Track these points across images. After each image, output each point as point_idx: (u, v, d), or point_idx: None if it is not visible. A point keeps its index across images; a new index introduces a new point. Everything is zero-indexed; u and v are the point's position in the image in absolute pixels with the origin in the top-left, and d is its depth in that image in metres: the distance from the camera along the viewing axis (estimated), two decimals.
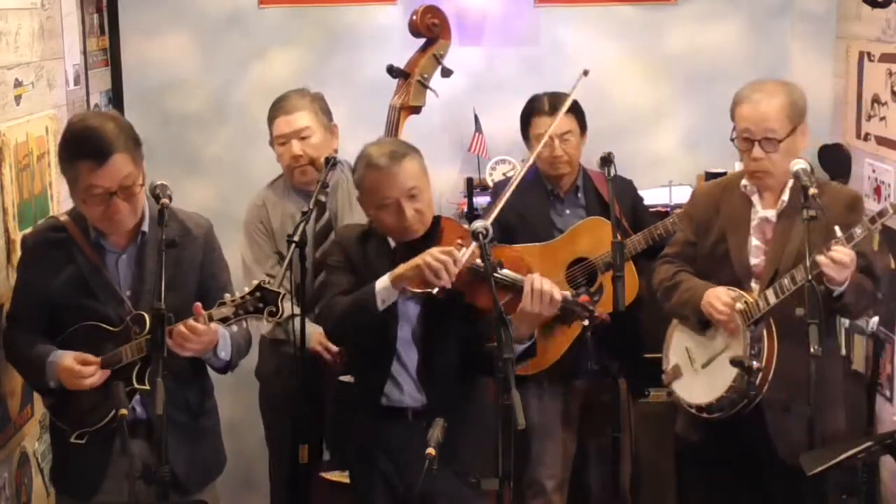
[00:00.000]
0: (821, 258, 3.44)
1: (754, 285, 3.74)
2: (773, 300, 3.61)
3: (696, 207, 3.96)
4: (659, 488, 4.83)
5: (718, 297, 3.70)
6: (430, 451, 3.09)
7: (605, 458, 4.25)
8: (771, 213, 3.75)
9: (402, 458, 3.56)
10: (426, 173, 3.61)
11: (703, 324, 3.81)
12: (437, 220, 3.64)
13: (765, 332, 3.65)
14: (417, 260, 3.43)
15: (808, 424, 3.34)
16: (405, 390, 3.61)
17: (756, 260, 3.75)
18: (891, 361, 4.38)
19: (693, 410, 3.80)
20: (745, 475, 3.76)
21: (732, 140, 3.76)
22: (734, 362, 3.64)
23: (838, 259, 3.43)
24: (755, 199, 3.78)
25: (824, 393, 3.54)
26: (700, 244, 3.88)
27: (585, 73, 4.16)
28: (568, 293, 3.43)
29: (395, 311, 3.55)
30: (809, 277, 3.35)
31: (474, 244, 3.40)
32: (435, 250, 3.43)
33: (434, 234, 3.59)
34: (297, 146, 4.18)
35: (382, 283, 3.49)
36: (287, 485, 4.20)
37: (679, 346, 3.93)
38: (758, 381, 3.63)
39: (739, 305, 3.66)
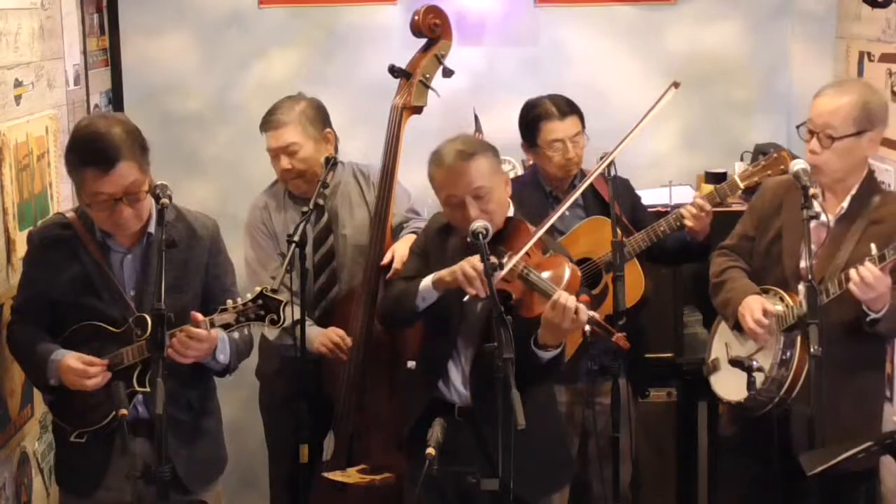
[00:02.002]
0: (852, 273, 3.42)
1: (801, 288, 3.61)
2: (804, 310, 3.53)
3: (762, 201, 3.90)
4: (659, 488, 4.84)
5: (752, 312, 3.65)
6: (430, 450, 3.09)
7: (605, 457, 4.25)
8: (829, 219, 3.67)
9: (444, 452, 3.56)
10: (498, 173, 3.62)
11: (740, 325, 3.76)
12: (511, 221, 3.63)
13: (799, 339, 3.58)
14: (456, 266, 3.48)
15: (808, 424, 3.32)
16: (453, 387, 3.63)
17: (806, 264, 3.64)
18: (891, 361, 4.37)
19: (727, 405, 3.80)
20: (777, 473, 3.70)
21: (797, 127, 3.74)
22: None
23: (865, 277, 3.40)
24: (818, 202, 3.63)
25: (867, 425, 3.56)
26: (758, 239, 3.84)
27: (676, 85, 4.10)
28: (595, 313, 3.43)
29: (459, 309, 3.57)
30: (810, 278, 3.34)
31: (521, 253, 3.46)
32: (472, 259, 3.44)
33: (504, 234, 3.57)
34: (285, 161, 4.19)
35: (426, 282, 3.56)
36: (287, 485, 4.21)
37: (721, 340, 3.90)
38: (786, 386, 3.58)
39: (775, 309, 3.62)
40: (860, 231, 3.64)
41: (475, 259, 3.44)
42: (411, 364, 3.89)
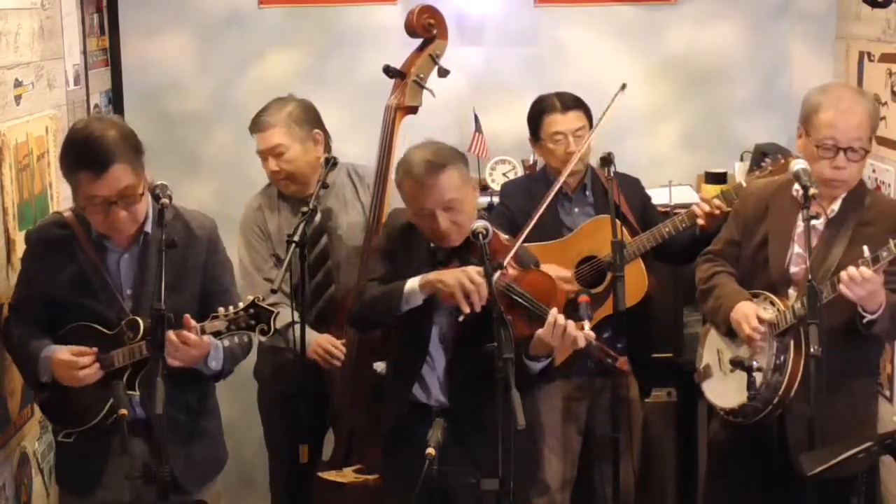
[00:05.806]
0: (842, 274, 3.40)
1: (792, 292, 3.65)
2: (801, 313, 3.50)
3: (745, 206, 3.85)
4: (659, 488, 4.84)
5: (747, 319, 3.61)
6: (430, 451, 3.09)
7: (607, 457, 4.25)
8: (818, 222, 3.62)
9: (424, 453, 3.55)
10: (468, 183, 3.57)
11: (732, 331, 3.73)
12: None
13: (792, 344, 3.57)
14: (453, 278, 3.41)
15: (808, 424, 3.31)
16: (431, 392, 3.62)
17: (796, 268, 3.65)
18: (891, 361, 4.37)
19: (720, 413, 3.78)
20: (767, 479, 3.70)
21: (817, 146, 3.56)
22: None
23: (853, 276, 3.37)
24: (817, 202, 3.54)
25: (861, 429, 3.54)
26: (744, 245, 3.80)
27: (623, 87, 4.20)
28: (593, 335, 3.40)
29: (431, 314, 3.55)
30: (810, 278, 3.32)
31: (506, 263, 3.42)
32: (472, 271, 3.38)
33: (473, 243, 3.51)
34: (272, 163, 4.22)
35: (411, 285, 3.50)
36: (287, 485, 4.21)
37: (712, 346, 3.87)
38: (781, 391, 3.56)
39: (768, 316, 3.60)
40: (850, 233, 3.61)
41: (473, 271, 3.39)
42: (379, 366, 3.82)
